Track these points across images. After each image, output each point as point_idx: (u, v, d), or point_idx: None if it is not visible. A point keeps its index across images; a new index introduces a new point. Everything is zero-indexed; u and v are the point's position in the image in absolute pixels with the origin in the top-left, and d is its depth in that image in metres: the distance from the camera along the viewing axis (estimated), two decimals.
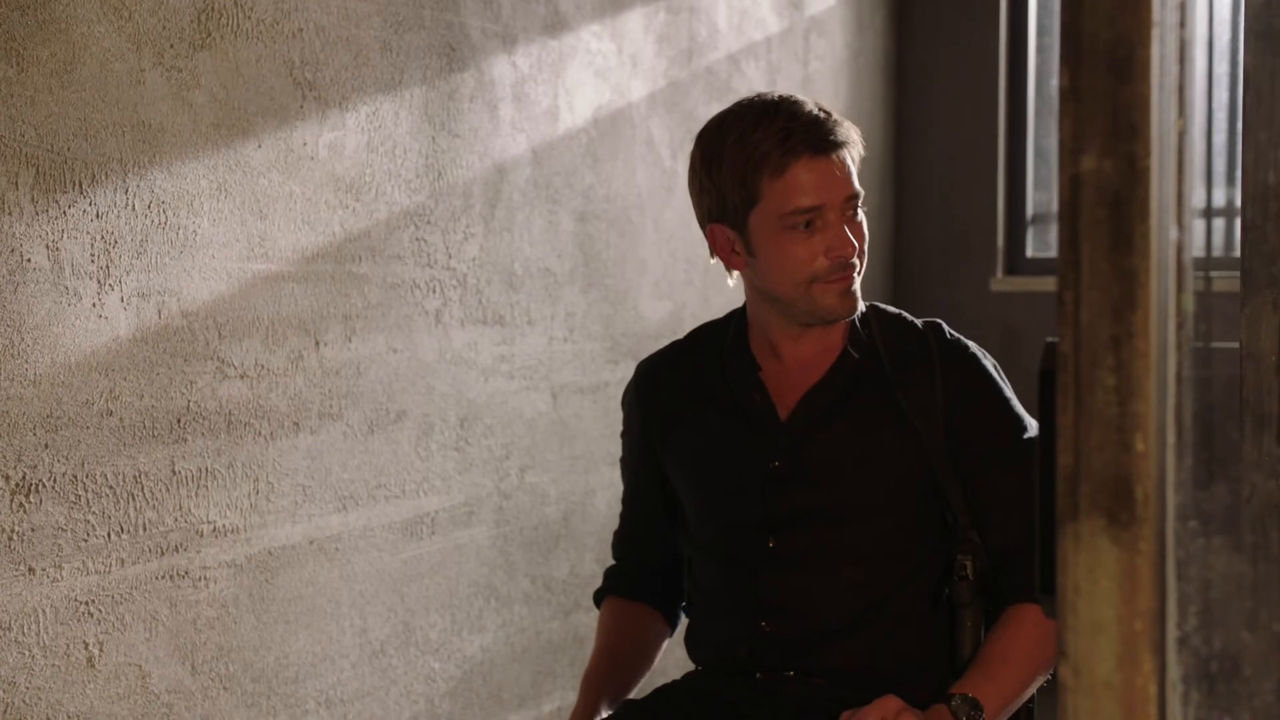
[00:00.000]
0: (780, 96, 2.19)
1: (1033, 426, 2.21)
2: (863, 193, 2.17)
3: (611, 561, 2.52)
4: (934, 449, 2.19)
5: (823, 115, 2.16)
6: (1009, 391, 2.24)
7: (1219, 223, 1.51)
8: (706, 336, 2.39)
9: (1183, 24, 0.94)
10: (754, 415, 2.26)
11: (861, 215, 2.19)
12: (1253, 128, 1.60)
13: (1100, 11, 0.88)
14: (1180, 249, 0.96)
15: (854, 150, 2.18)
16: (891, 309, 2.32)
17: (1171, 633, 0.91)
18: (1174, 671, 0.91)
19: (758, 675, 2.24)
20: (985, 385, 2.22)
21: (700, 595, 2.34)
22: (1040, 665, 2.17)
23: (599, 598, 2.50)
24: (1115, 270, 0.89)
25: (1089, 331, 0.90)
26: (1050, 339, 1.01)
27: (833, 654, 2.21)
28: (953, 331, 2.27)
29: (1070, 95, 0.89)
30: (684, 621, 2.45)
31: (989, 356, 2.26)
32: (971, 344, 2.26)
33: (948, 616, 2.23)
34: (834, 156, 2.14)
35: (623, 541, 2.50)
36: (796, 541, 2.22)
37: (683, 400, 2.33)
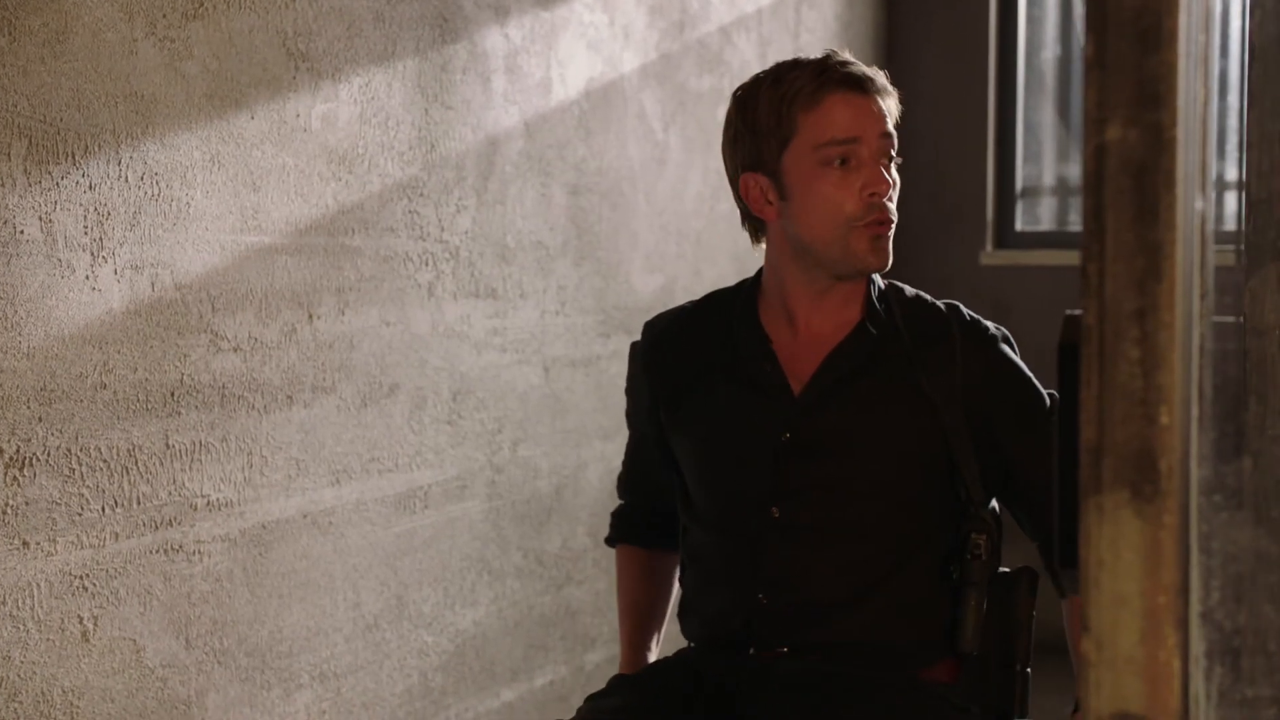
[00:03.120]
0: (825, 51, 2.19)
1: (1046, 396, 2.23)
2: (896, 140, 2.14)
3: (618, 501, 2.52)
4: (953, 427, 2.16)
5: (862, 64, 2.16)
6: (1028, 371, 2.23)
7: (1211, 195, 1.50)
8: (718, 303, 2.34)
9: None
10: (765, 386, 2.22)
11: (896, 171, 2.16)
12: (1258, 101, 1.60)
13: None
14: (1204, 220, 0.95)
15: (890, 100, 2.16)
16: (910, 289, 2.28)
17: (1195, 607, 0.90)
18: (1197, 646, 0.90)
19: (751, 651, 2.20)
20: (1010, 366, 2.20)
21: (696, 567, 2.31)
22: None
23: (612, 541, 2.50)
24: (1140, 242, 0.88)
25: (1113, 304, 0.89)
26: (1070, 312, 1.00)
27: (830, 629, 2.17)
28: (972, 313, 2.25)
29: (1096, 64, 0.88)
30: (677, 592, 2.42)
31: (1009, 337, 2.25)
32: (991, 324, 2.24)
33: (952, 595, 2.20)
34: (870, 97, 2.12)
35: (629, 485, 2.49)
36: (803, 513, 2.18)
37: (692, 367, 2.29)
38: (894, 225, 2.15)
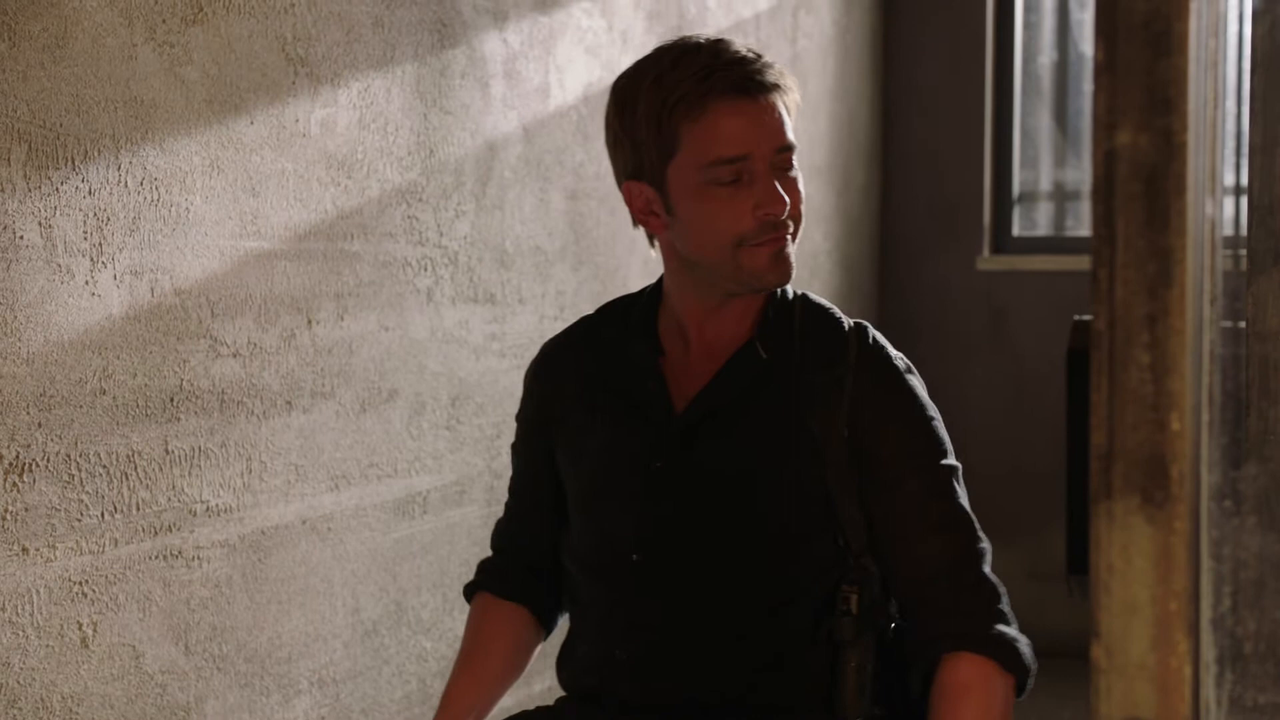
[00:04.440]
0: (706, 38, 1.92)
1: (951, 452, 1.98)
2: (797, 145, 1.93)
3: (489, 553, 2.27)
4: (833, 463, 1.93)
5: (751, 55, 1.89)
6: (932, 410, 1.99)
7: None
8: (617, 313, 2.11)
9: None
10: (647, 407, 2.00)
11: (797, 171, 1.92)
12: (1262, 107, 1.60)
13: None
14: (1214, 225, 0.95)
15: (788, 97, 1.91)
16: (822, 301, 2.05)
17: (1205, 613, 0.90)
18: (1208, 652, 0.90)
19: (614, 707, 2.00)
20: (904, 400, 1.96)
21: (571, 612, 2.12)
22: None
23: (469, 592, 2.24)
24: (1151, 247, 0.88)
25: (1123, 309, 0.89)
26: (1079, 317, 1.00)
27: (695, 685, 1.95)
28: (879, 337, 2.01)
29: (1106, 69, 0.88)
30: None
31: (913, 369, 2.01)
32: (896, 353, 2.00)
33: (828, 653, 1.95)
34: (763, 100, 1.88)
35: (504, 532, 2.24)
36: (667, 555, 1.96)
37: (582, 386, 2.07)
38: (799, 233, 1.95)
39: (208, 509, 2.67)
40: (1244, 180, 1.61)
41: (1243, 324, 1.33)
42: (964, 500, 1.96)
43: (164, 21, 2.53)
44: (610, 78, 3.86)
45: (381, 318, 3.07)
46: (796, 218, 1.93)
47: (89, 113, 2.40)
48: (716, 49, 1.89)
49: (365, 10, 3.00)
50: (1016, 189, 5.65)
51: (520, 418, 2.19)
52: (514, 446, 2.20)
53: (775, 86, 1.89)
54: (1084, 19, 5.59)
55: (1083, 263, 5.26)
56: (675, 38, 1.95)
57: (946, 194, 5.58)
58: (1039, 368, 5.34)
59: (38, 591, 2.36)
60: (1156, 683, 0.88)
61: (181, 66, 2.57)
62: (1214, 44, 0.93)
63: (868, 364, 1.97)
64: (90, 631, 2.45)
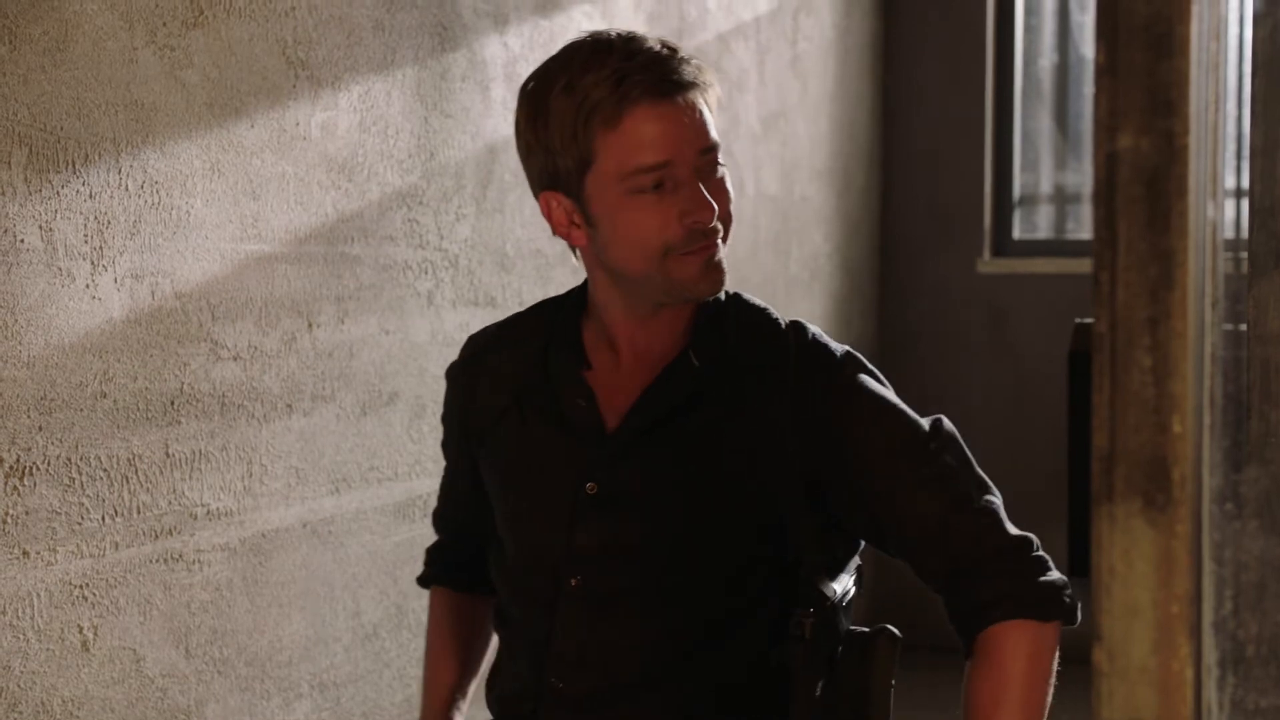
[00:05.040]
0: (616, 33, 1.79)
1: (926, 421, 1.85)
2: (720, 143, 1.82)
3: (434, 537, 2.21)
4: (780, 476, 1.81)
5: (666, 52, 1.77)
6: (885, 389, 1.86)
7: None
8: (544, 315, 1.99)
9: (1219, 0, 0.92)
10: (576, 424, 1.88)
11: (723, 171, 1.81)
12: (1263, 109, 1.60)
13: None
14: (1215, 228, 0.95)
15: (708, 94, 1.80)
16: (756, 301, 1.93)
17: (1207, 616, 0.90)
18: (1210, 656, 0.90)
19: None
20: (855, 391, 1.84)
21: (501, 633, 2.01)
22: (1042, 699, 1.80)
23: (425, 582, 2.19)
24: (1152, 250, 0.88)
25: (1125, 312, 0.89)
26: (1080, 320, 1.00)
27: (638, 717, 1.85)
28: (818, 333, 1.89)
29: (1107, 72, 0.88)
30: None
31: (859, 358, 1.89)
32: (837, 345, 1.88)
33: (778, 683, 1.84)
34: (681, 100, 1.76)
35: (447, 519, 2.16)
36: (604, 580, 1.85)
37: (505, 393, 1.94)
38: (729, 236, 1.83)
39: (208, 512, 2.67)
40: (1245, 183, 1.61)
41: (1244, 327, 1.33)
42: (953, 458, 1.82)
43: (164, 25, 2.53)
44: None
45: (382, 321, 3.07)
46: (726, 221, 1.81)
47: (89, 116, 2.40)
48: (629, 48, 1.76)
49: (366, 14, 3.00)
50: (1017, 192, 5.65)
51: (445, 420, 2.06)
52: (442, 443, 2.10)
53: (693, 84, 1.77)
54: (1085, 21, 5.59)
55: (1083, 265, 5.26)
56: (584, 34, 1.83)
57: (947, 196, 5.58)
58: (1039, 370, 5.34)
59: (38, 595, 2.36)
60: (1158, 686, 0.88)
61: (182, 70, 2.57)
62: (1215, 46, 0.93)
63: (809, 364, 1.85)
64: (91, 635, 2.45)
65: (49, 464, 2.35)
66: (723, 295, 1.89)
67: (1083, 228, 5.62)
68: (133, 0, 2.47)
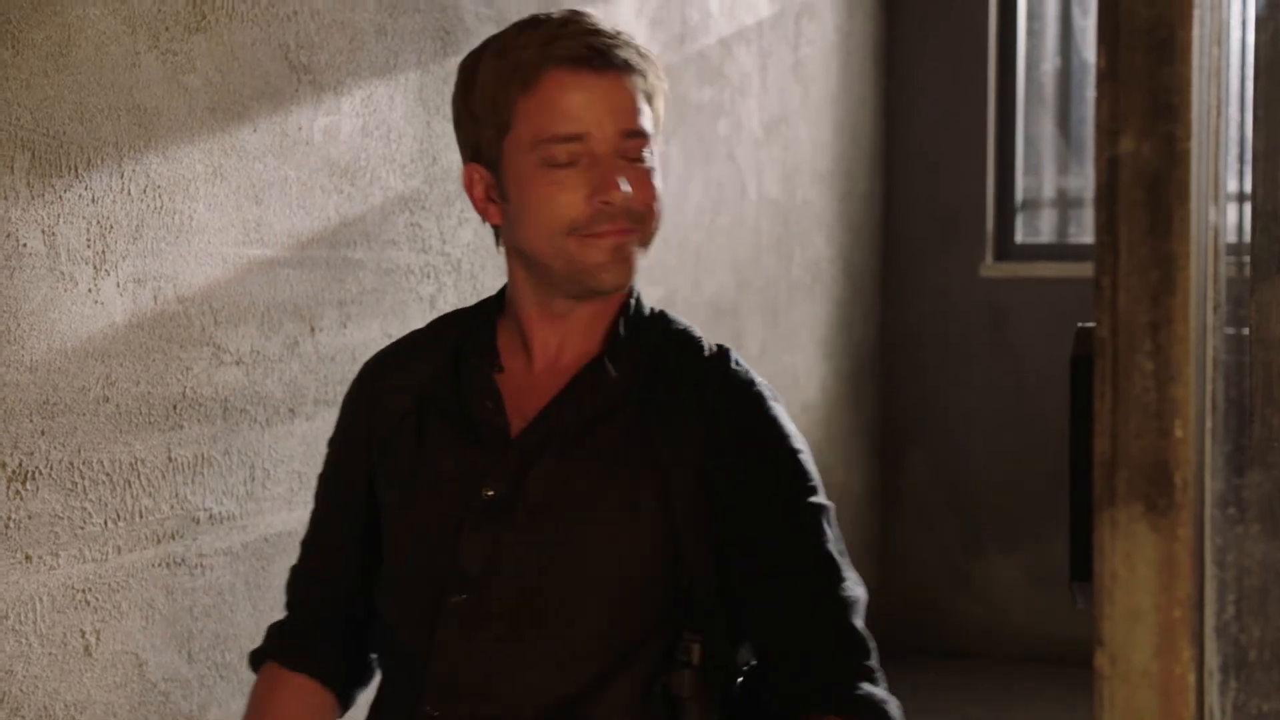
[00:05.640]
0: (567, 10, 1.72)
1: (821, 489, 1.75)
2: (651, 134, 1.70)
3: (282, 613, 1.96)
4: (682, 498, 1.70)
5: (610, 32, 1.68)
6: (799, 443, 1.75)
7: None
8: (453, 324, 1.89)
9: (1221, 4, 0.92)
10: (481, 429, 1.76)
11: (652, 164, 1.70)
12: (1266, 114, 1.60)
13: None
14: (1217, 232, 0.95)
15: (645, 83, 1.70)
16: (680, 321, 1.83)
17: (1209, 621, 0.90)
18: (1212, 660, 0.90)
19: None
20: (768, 433, 1.74)
21: (383, 666, 1.86)
22: None
23: (256, 661, 1.92)
24: (1154, 254, 0.88)
25: (1126, 316, 0.89)
26: (1082, 324, 1.00)
27: None
28: (743, 363, 1.78)
29: (1108, 76, 0.88)
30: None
31: (779, 398, 1.78)
32: (761, 380, 1.78)
33: (665, 710, 1.70)
34: (610, 77, 1.66)
35: (298, 582, 1.94)
36: (490, 599, 1.71)
37: (409, 405, 1.82)
38: (650, 235, 1.72)
39: (210, 517, 2.67)
40: (1249, 187, 1.61)
41: (1246, 331, 1.33)
42: (833, 544, 1.72)
43: (167, 29, 2.53)
44: None
45: (384, 325, 3.07)
46: (645, 216, 1.70)
47: (92, 120, 2.40)
48: (567, 19, 1.68)
49: (368, 18, 3.00)
50: (1019, 196, 5.65)
51: (334, 442, 1.92)
52: (321, 476, 1.93)
53: (626, 66, 1.67)
54: (1087, 26, 5.59)
55: (1086, 270, 5.26)
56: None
57: (949, 200, 5.58)
58: (1041, 374, 5.34)
59: (41, 599, 2.36)
60: (1160, 690, 0.88)
61: (184, 74, 2.57)
62: (1217, 51, 0.93)
63: (729, 392, 1.74)
64: (93, 639, 2.45)
65: (51, 468, 2.36)
66: (648, 309, 1.81)
67: (1085, 232, 5.62)
68: (135, 5, 2.47)
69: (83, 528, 2.42)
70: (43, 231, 2.32)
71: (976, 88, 5.51)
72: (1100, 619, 0.89)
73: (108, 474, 2.46)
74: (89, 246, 2.40)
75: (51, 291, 2.34)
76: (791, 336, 4.93)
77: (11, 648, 2.32)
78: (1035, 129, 5.68)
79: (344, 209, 2.95)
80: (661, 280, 4.10)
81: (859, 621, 1.70)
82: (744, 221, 4.62)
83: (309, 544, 1.93)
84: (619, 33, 1.70)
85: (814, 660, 1.69)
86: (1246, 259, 1.13)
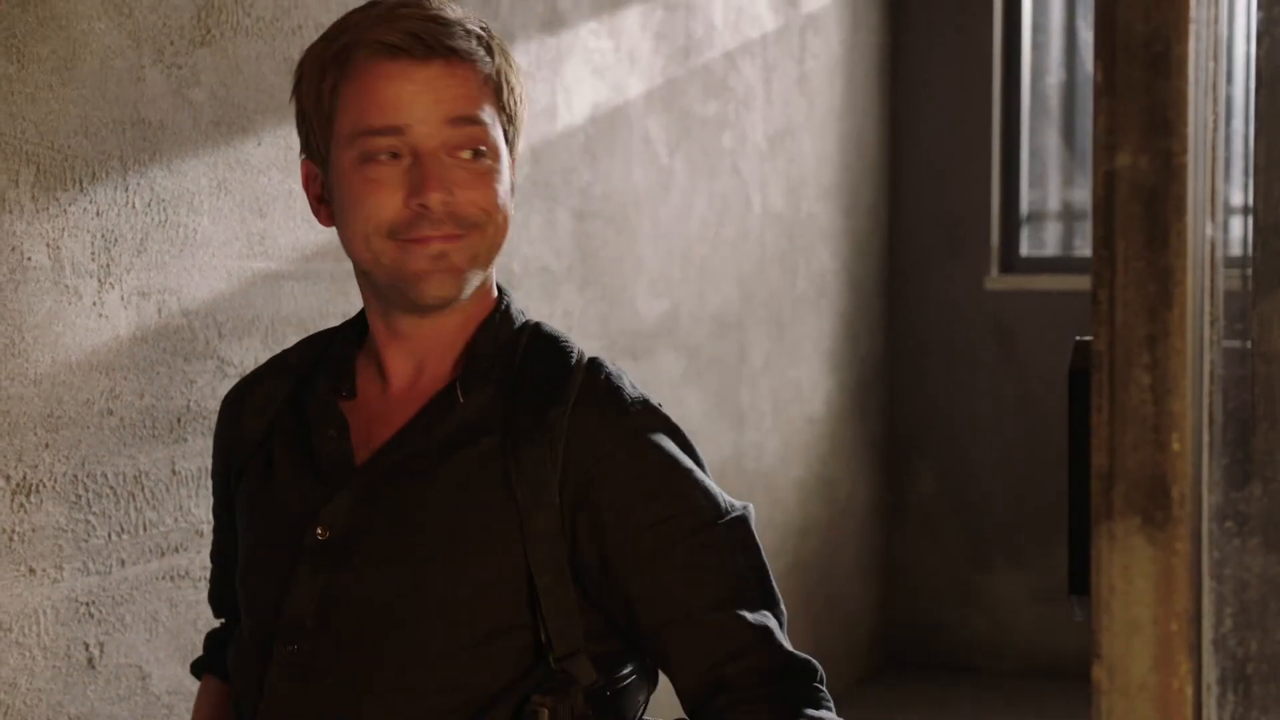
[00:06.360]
0: None
1: (718, 497, 1.54)
2: (489, 124, 1.53)
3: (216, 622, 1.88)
4: (540, 539, 1.50)
5: (443, 14, 1.51)
6: (681, 456, 1.55)
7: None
8: (315, 344, 1.73)
9: (1218, 19, 0.93)
10: (325, 459, 1.59)
11: (491, 165, 1.52)
12: (1266, 126, 1.60)
13: (1136, 5, 0.87)
14: (1214, 246, 0.95)
15: (484, 71, 1.52)
16: (552, 330, 1.62)
17: (1207, 634, 0.90)
18: (1209, 673, 0.90)
19: None
20: (642, 451, 1.53)
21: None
22: None
23: (195, 671, 1.86)
24: (1151, 268, 0.89)
25: (1124, 330, 0.89)
26: (1080, 338, 1.00)
27: None
28: (615, 373, 1.57)
29: (1105, 90, 0.88)
30: None
31: (659, 411, 1.57)
32: (634, 392, 1.57)
33: None
34: (437, 64, 1.49)
35: (215, 596, 1.84)
36: (323, 652, 1.54)
37: (261, 427, 1.68)
38: (487, 244, 1.53)
39: None
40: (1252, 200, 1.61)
41: (1249, 344, 1.34)
42: (741, 557, 1.54)
43: (172, 43, 2.54)
44: (617, 98, 3.87)
45: None
46: (477, 221, 1.51)
47: (97, 134, 2.41)
48: (396, 3, 1.52)
49: None
50: (1024, 208, 5.66)
51: (212, 468, 1.80)
52: (214, 503, 1.81)
53: (455, 52, 1.49)
54: (1091, 39, 5.59)
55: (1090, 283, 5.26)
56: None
57: (954, 213, 5.59)
58: (1046, 387, 5.34)
59: (45, 612, 2.36)
60: (1158, 704, 0.88)
61: (189, 88, 2.58)
62: (1214, 66, 0.94)
63: (591, 408, 1.53)
64: (97, 652, 2.45)
65: (55, 481, 2.36)
66: (518, 321, 1.61)
67: (1090, 245, 5.61)
68: (140, 19, 2.48)
69: (86, 540, 2.42)
70: (47, 245, 2.33)
71: (981, 100, 5.52)
72: (1098, 632, 0.89)
73: (112, 487, 2.46)
74: (93, 260, 2.41)
75: (56, 305, 2.35)
76: (796, 349, 4.93)
77: (15, 660, 2.32)
78: (1040, 141, 5.69)
79: None
80: (665, 293, 4.10)
81: (785, 641, 1.52)
82: (749, 235, 4.62)
83: (213, 564, 1.84)
84: (459, 19, 1.52)
85: (747, 695, 1.49)
86: (1247, 272, 1.14)
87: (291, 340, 2.81)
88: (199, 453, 2.62)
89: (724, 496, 1.55)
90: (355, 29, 1.51)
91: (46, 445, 2.35)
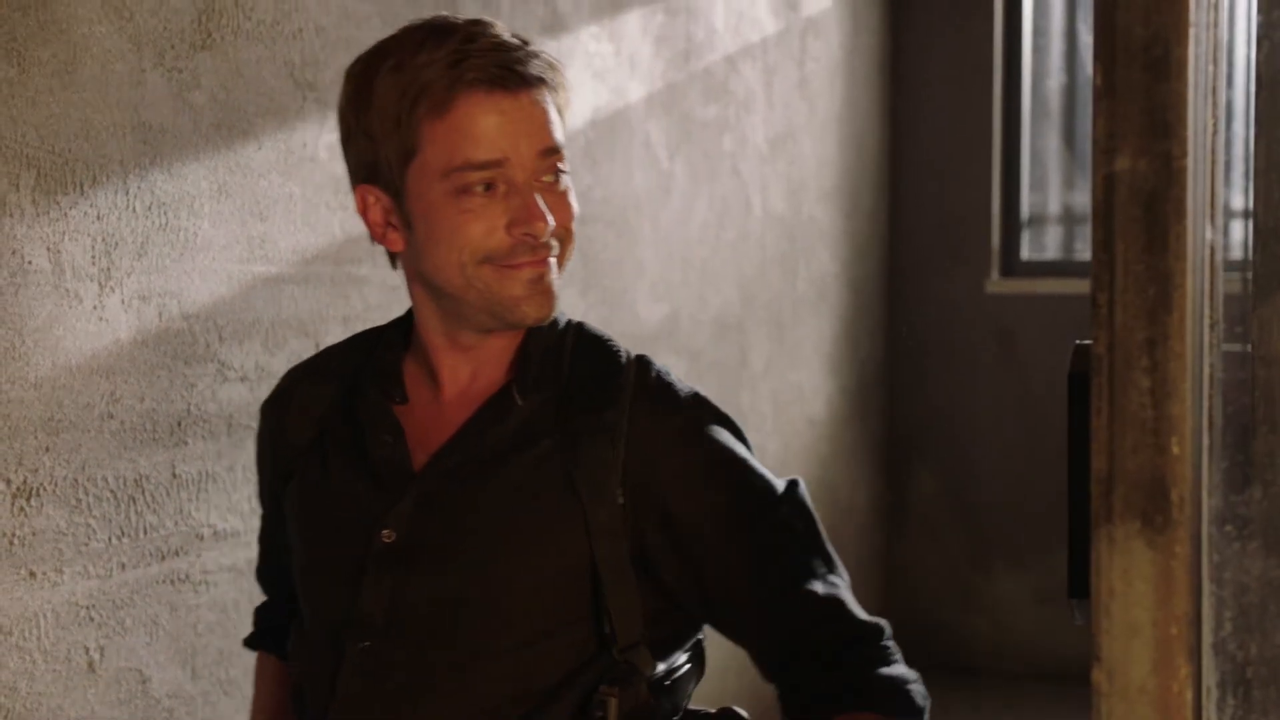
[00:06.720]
0: (464, 19, 1.59)
1: (772, 479, 1.63)
2: (564, 149, 1.60)
3: (261, 597, 1.96)
4: (602, 535, 1.56)
5: (515, 42, 1.56)
6: (735, 445, 1.63)
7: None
8: (360, 347, 1.77)
9: (1217, 22, 0.93)
10: (381, 465, 1.64)
11: (567, 182, 1.60)
12: (1266, 130, 1.60)
13: (1136, 8, 0.87)
14: (1214, 250, 0.95)
15: (557, 95, 1.59)
16: (597, 331, 1.69)
17: (1207, 637, 0.90)
18: (1209, 677, 0.90)
19: None
20: (699, 443, 1.60)
21: (295, 708, 1.76)
22: None
23: (252, 643, 1.94)
24: (1150, 272, 0.89)
25: (1123, 333, 0.89)
26: (1080, 341, 1.00)
27: None
28: (664, 371, 1.64)
29: (1105, 94, 0.88)
30: None
31: (710, 403, 1.65)
32: (685, 388, 1.64)
33: None
34: (524, 96, 1.54)
35: (265, 574, 1.92)
36: (390, 647, 1.60)
37: (311, 429, 1.72)
38: (567, 258, 1.61)
39: (215, 533, 2.67)
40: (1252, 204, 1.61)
41: (1249, 348, 1.34)
42: (803, 530, 1.63)
43: (172, 47, 2.54)
44: (618, 102, 3.87)
45: None
46: (564, 238, 1.59)
47: (97, 138, 2.41)
48: (471, 31, 1.55)
49: (373, 36, 2.99)
50: (1025, 212, 5.66)
51: (257, 462, 1.85)
52: (258, 491, 1.87)
53: (540, 81, 1.56)
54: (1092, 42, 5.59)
55: None
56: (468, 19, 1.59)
57: (955, 216, 5.59)
58: (1047, 390, 5.34)
59: (45, 616, 2.36)
60: (1157, 706, 0.88)
61: (190, 92, 2.58)
62: (1214, 69, 0.94)
63: (645, 406, 1.60)
64: (97, 656, 2.45)
65: (56, 485, 2.36)
66: (561, 322, 1.67)
67: (1090, 248, 5.62)
68: (141, 22, 2.48)
69: (87, 544, 2.42)
70: (48, 249, 2.33)
71: (982, 103, 5.52)
72: (1098, 635, 0.89)
73: (112, 490, 2.46)
74: (94, 263, 2.41)
75: (56, 308, 2.35)
76: (797, 352, 4.93)
77: (15, 664, 2.32)
78: (1041, 144, 5.69)
79: (348, 225, 2.96)
80: (666, 296, 4.10)
81: (854, 607, 1.60)
82: (749, 237, 4.62)
83: (262, 549, 1.90)
84: (526, 42, 1.58)
85: (825, 662, 1.58)
86: (1248, 276, 1.14)
87: (292, 343, 2.81)
88: (199, 456, 2.62)
89: (774, 477, 1.63)
90: (439, 64, 1.54)
91: (47, 449, 2.35)
